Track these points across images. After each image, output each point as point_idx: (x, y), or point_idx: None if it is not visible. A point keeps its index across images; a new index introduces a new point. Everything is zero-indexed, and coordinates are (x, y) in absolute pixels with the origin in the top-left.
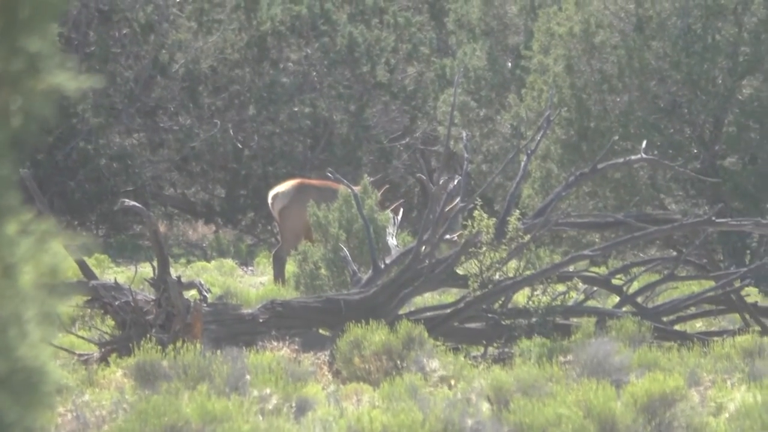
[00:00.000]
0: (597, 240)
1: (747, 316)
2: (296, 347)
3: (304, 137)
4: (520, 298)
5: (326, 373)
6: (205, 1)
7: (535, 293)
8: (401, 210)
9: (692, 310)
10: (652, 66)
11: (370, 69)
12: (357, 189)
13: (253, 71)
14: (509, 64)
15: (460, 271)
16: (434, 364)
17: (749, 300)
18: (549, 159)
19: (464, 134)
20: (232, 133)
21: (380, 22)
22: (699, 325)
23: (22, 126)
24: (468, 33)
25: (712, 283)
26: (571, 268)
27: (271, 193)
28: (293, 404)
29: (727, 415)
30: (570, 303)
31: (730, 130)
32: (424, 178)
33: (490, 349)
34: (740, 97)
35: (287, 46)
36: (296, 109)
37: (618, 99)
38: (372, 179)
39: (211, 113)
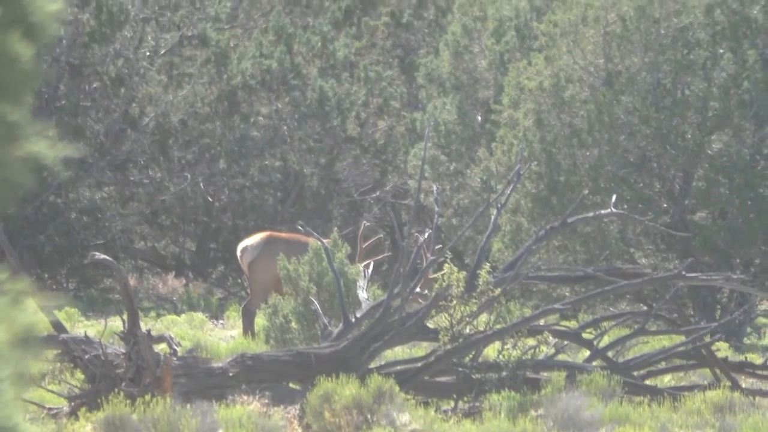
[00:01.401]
0: (567, 294)
1: (717, 371)
2: (266, 401)
3: (274, 190)
4: (491, 351)
5: (296, 427)
6: (176, 55)
7: (506, 347)
8: (371, 264)
9: (663, 364)
10: (621, 120)
11: (340, 123)
12: (327, 242)
13: (224, 125)
14: (479, 119)
15: (430, 324)
16: (405, 418)
17: (720, 355)
18: (519, 213)
19: (435, 187)
20: (202, 187)
21: (351, 77)
22: (668, 379)
23: None
24: (438, 87)
25: (683, 338)
26: (541, 322)
27: (240, 246)
28: None
29: None
30: (540, 357)
31: (700, 185)
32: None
33: (461, 403)
34: (710, 152)
35: (258, 99)
36: (267, 163)
37: (588, 153)
38: (361, 230)
39: (181, 167)
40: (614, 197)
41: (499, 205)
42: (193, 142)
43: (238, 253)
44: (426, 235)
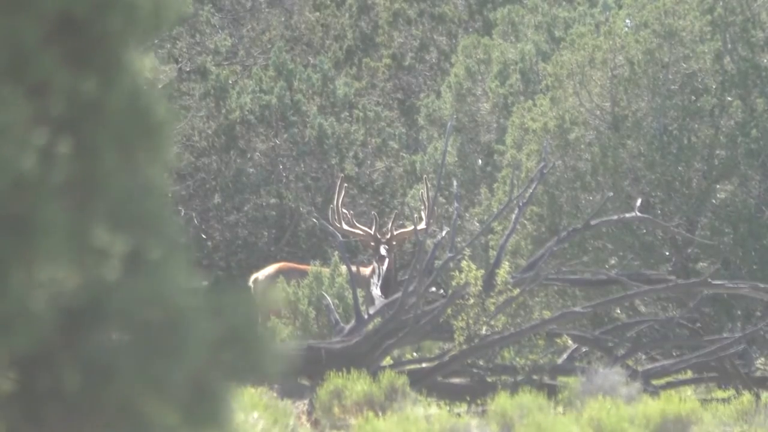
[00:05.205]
0: (578, 295)
1: (739, 385)
2: (275, 395)
3: (269, 228)
4: (507, 353)
5: (305, 422)
6: (174, 89)
7: (523, 349)
8: (386, 260)
9: (689, 374)
10: (626, 165)
11: (338, 161)
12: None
13: (220, 159)
14: (480, 162)
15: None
16: (419, 413)
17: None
18: (519, 255)
19: (454, 182)
20: (196, 222)
21: (350, 116)
22: (689, 392)
23: None
24: (439, 128)
25: (704, 348)
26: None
27: (252, 278)
28: None
29: None
30: (558, 362)
31: (704, 234)
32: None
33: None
34: (714, 201)
35: (256, 135)
36: (264, 202)
37: (590, 197)
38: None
39: (175, 201)
40: (639, 200)
41: (521, 204)
42: (188, 176)
43: (250, 285)
44: (443, 233)
